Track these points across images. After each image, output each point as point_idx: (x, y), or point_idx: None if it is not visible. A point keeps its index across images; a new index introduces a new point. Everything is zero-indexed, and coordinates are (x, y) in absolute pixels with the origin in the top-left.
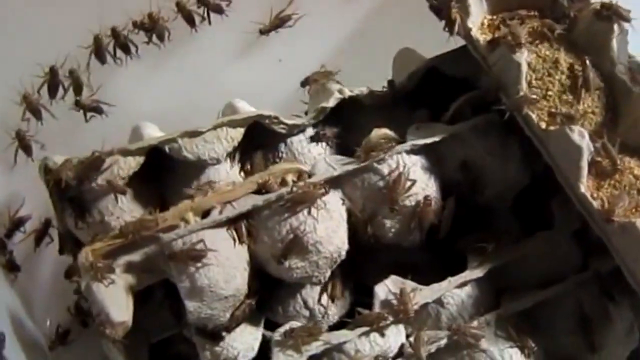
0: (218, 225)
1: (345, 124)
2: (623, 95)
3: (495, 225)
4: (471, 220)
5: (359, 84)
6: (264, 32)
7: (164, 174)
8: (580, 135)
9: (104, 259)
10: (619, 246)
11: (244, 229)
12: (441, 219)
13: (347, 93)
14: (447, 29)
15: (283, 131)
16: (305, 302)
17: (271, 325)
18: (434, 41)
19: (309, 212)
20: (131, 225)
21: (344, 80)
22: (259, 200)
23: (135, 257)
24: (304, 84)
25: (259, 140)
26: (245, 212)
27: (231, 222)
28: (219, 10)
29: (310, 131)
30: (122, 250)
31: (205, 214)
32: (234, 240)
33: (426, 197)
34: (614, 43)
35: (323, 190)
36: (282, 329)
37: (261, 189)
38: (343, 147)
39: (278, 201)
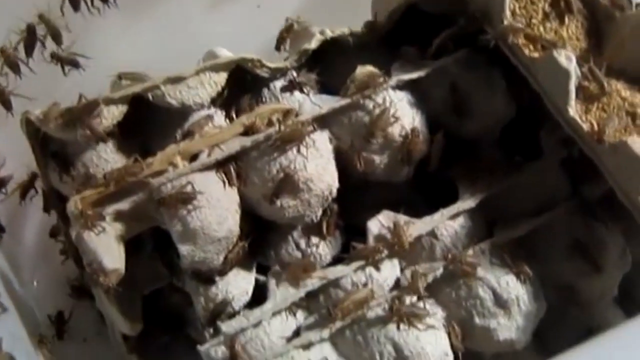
0: (207, 168)
1: (328, 66)
2: (606, 20)
3: (483, 156)
4: (459, 155)
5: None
6: None
7: (148, 125)
8: (568, 59)
9: (93, 207)
10: (611, 167)
11: (233, 171)
12: (430, 152)
13: (329, 34)
14: None
15: (266, 75)
16: (297, 244)
17: (264, 271)
18: None
19: (298, 150)
20: (115, 172)
21: (324, 24)
22: (247, 141)
23: (124, 205)
24: (278, 46)
25: (243, 87)
26: (233, 154)
27: (220, 165)
28: None
29: (292, 74)
30: (110, 199)
31: (193, 158)
32: (224, 182)
33: (414, 129)
34: None
35: (311, 128)
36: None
37: (248, 131)
38: (326, 90)
39: (266, 141)
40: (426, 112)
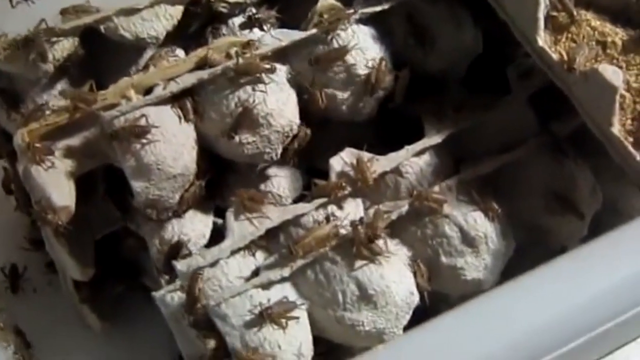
0: (162, 102)
1: (289, 3)
2: None
3: (449, 92)
4: (425, 92)
5: None
6: None
7: (102, 61)
8: None
9: (41, 140)
10: (582, 97)
11: (189, 106)
12: (395, 88)
13: None
14: None
15: (224, 10)
16: (256, 186)
17: (222, 214)
18: None
19: (257, 84)
20: (69, 94)
21: None
22: (203, 74)
23: (75, 140)
24: None
25: (201, 23)
26: (190, 88)
27: (176, 99)
28: None
29: (252, 10)
30: (60, 133)
31: (148, 91)
32: (180, 117)
33: (381, 59)
34: None
35: (269, 66)
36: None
37: (206, 64)
38: (288, 27)
39: (224, 75)
40: (391, 47)
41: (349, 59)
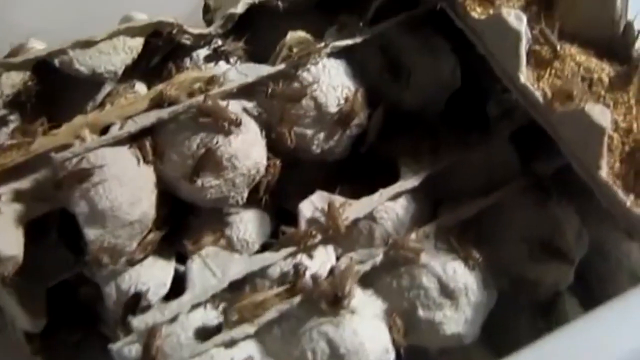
0: (119, 142)
1: (257, 33)
2: None
3: (426, 131)
4: (401, 130)
5: None
6: None
7: (57, 96)
8: (518, 19)
9: None
10: (567, 137)
11: (148, 147)
12: (368, 127)
13: None
14: None
15: (188, 42)
16: (221, 231)
17: (185, 259)
18: None
19: (222, 124)
20: (18, 133)
21: None
22: (164, 113)
23: (24, 183)
24: (205, 13)
25: (163, 55)
26: (149, 127)
27: (134, 139)
28: None
29: (217, 42)
30: (7, 175)
31: (104, 131)
32: (138, 159)
33: (356, 91)
34: None
35: (235, 117)
36: (198, 256)
37: (166, 102)
38: (255, 60)
39: (186, 113)
40: (365, 81)
41: (320, 95)
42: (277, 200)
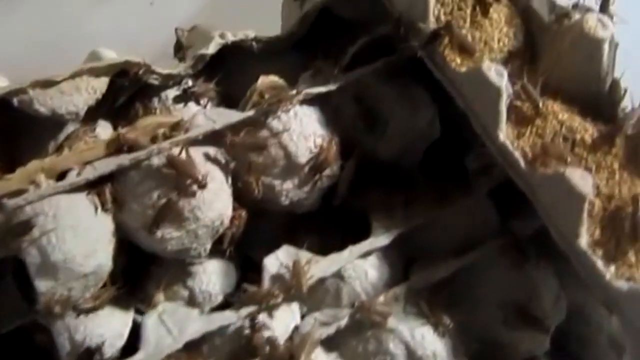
0: (76, 189)
1: (230, 74)
2: (541, 32)
3: (401, 184)
4: (375, 181)
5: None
6: None
7: (17, 136)
8: (498, 74)
9: None
10: (546, 201)
11: (107, 194)
12: (339, 179)
13: (230, 38)
14: None
15: (156, 82)
16: (183, 281)
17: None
18: None
19: (185, 173)
20: None
21: (228, 27)
22: (124, 159)
23: None
24: (177, 50)
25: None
26: (108, 174)
27: (92, 186)
28: None
29: (188, 83)
30: None
31: (62, 176)
32: (96, 207)
33: (330, 140)
34: None
35: (201, 178)
36: (154, 312)
37: (128, 147)
38: (228, 102)
39: (148, 160)
40: (338, 130)
41: (290, 145)
42: (243, 249)
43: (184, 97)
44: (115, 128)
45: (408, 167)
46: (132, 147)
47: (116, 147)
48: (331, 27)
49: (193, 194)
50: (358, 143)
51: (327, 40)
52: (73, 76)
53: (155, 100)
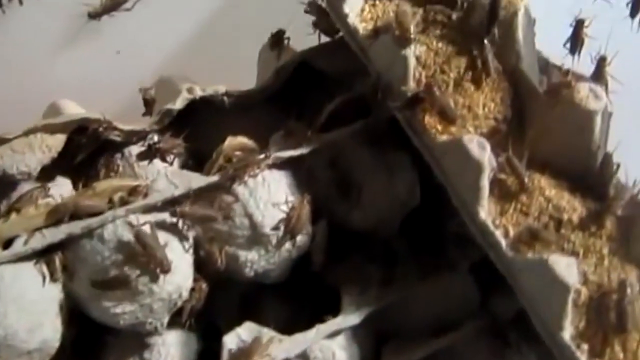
0: (22, 258)
1: (201, 127)
2: (530, 97)
3: (377, 256)
4: (349, 250)
5: (217, 81)
6: (93, 16)
7: None
8: (480, 147)
9: None
10: (528, 288)
11: (57, 263)
12: (311, 247)
13: (198, 93)
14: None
15: (118, 139)
16: (140, 355)
17: None
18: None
19: (140, 243)
20: None
21: (198, 77)
22: (76, 227)
23: None
24: (146, 106)
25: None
26: (57, 243)
27: (41, 255)
28: None
29: (153, 139)
30: None
31: (8, 243)
32: (44, 277)
33: (300, 207)
34: (519, 33)
35: (166, 262)
36: None
37: (71, 216)
38: (197, 158)
39: (100, 228)
40: (310, 194)
41: (256, 213)
42: (205, 317)
43: (149, 154)
44: (75, 185)
45: (385, 235)
46: (86, 212)
47: (57, 217)
48: (307, 78)
49: (155, 278)
50: (331, 210)
51: (303, 93)
52: (26, 133)
53: (118, 157)
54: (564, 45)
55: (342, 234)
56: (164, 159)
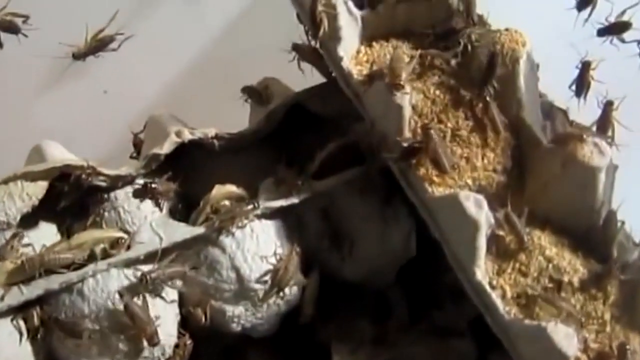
0: None
1: (191, 168)
2: (531, 147)
3: (369, 308)
4: (341, 303)
5: (206, 118)
6: (78, 56)
7: None
8: (477, 205)
9: None
10: (525, 353)
11: (36, 319)
12: (302, 300)
13: (187, 136)
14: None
15: (103, 184)
16: None
17: None
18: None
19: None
20: None
21: (187, 115)
22: (54, 282)
23: None
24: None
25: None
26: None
27: (19, 309)
28: (13, 29)
29: (140, 181)
30: None
31: None
32: (21, 335)
33: (287, 262)
34: (521, 80)
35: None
36: None
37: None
38: (187, 201)
39: (80, 283)
40: (301, 244)
41: (243, 267)
42: None
43: (143, 193)
44: (59, 228)
45: (379, 286)
46: (64, 266)
47: (23, 277)
48: (300, 119)
49: (139, 350)
50: (323, 261)
51: (295, 135)
52: (5, 181)
53: (105, 199)
54: (569, 87)
55: (334, 284)
56: (157, 203)
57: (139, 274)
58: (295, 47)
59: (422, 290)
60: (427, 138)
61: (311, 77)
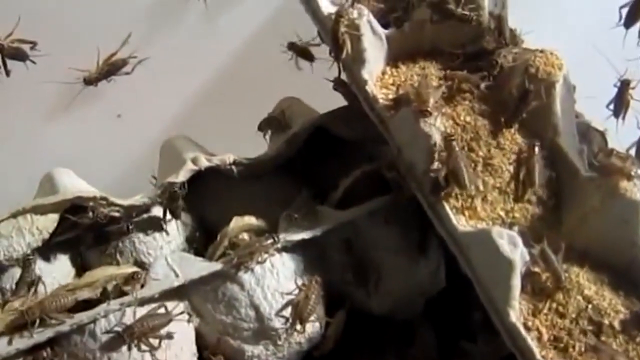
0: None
1: (210, 196)
2: (568, 176)
3: (398, 342)
4: (366, 335)
5: (222, 141)
6: (89, 81)
7: None
8: (512, 244)
9: None
10: None
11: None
12: (325, 335)
13: (204, 163)
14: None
15: (117, 214)
16: None
17: None
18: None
19: (137, 340)
20: None
21: (205, 137)
22: (64, 325)
23: None
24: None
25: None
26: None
27: (30, 351)
28: (21, 56)
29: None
30: None
31: None
32: None
33: (307, 298)
34: (557, 105)
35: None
36: None
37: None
38: (205, 227)
39: (93, 324)
40: (324, 277)
41: (263, 304)
42: None
43: (152, 225)
44: (72, 258)
45: (406, 319)
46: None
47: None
48: (322, 143)
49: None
50: (347, 296)
51: (318, 159)
52: (14, 215)
53: (121, 232)
54: (607, 106)
55: (359, 315)
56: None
57: None
58: (291, 46)
59: (453, 322)
60: (449, 150)
61: (331, 96)
